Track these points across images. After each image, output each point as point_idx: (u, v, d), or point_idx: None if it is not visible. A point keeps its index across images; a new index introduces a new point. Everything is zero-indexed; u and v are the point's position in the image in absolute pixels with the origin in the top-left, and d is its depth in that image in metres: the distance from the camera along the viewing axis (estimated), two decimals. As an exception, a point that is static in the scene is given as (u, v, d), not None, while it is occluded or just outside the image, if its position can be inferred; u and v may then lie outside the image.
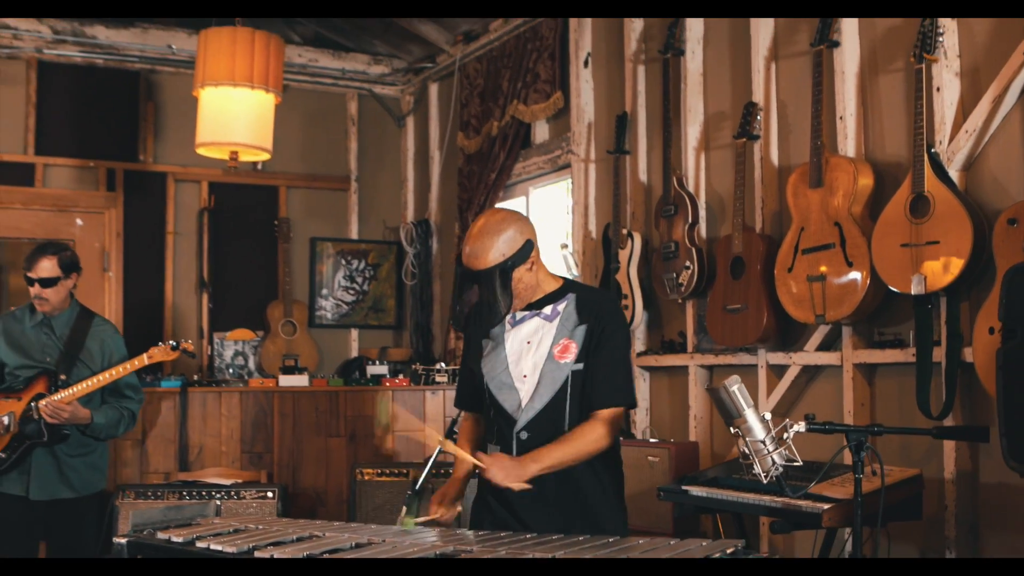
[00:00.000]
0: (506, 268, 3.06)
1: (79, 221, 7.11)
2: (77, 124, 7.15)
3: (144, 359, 4.70)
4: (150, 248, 7.32)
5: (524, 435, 3.13)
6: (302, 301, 7.69)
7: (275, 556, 2.74)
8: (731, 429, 2.97)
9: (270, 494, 5.21)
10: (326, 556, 2.65)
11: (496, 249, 3.05)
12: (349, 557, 2.64)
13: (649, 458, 4.81)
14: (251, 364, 7.46)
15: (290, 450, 5.84)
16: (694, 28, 5.26)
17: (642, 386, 5.53)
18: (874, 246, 4.05)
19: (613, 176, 5.62)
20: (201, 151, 5.66)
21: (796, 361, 4.60)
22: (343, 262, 7.94)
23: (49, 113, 7.08)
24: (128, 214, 7.25)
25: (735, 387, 2.92)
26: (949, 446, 3.96)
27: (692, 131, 5.24)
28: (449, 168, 7.47)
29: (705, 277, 5.03)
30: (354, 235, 7.98)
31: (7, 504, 4.67)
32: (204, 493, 5.12)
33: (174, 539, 3.08)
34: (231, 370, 7.39)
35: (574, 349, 3.12)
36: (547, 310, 3.19)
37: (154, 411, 5.67)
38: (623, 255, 5.49)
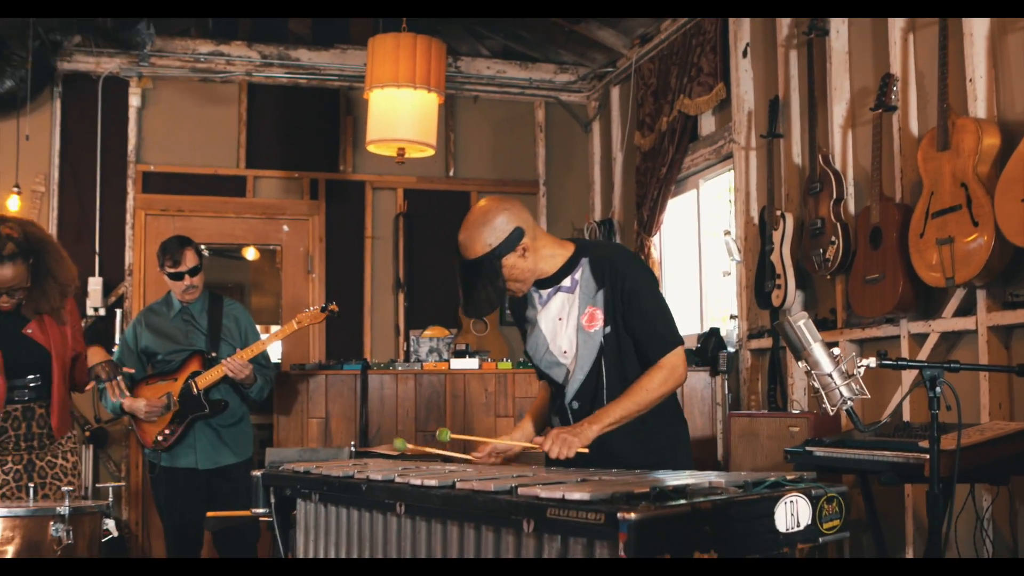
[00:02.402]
0: (493, 257, 3.15)
1: (285, 228, 7.74)
2: (283, 139, 7.80)
3: (294, 324, 5.15)
4: (350, 251, 7.87)
5: (575, 405, 3.30)
6: (493, 300, 8.03)
7: (370, 477, 3.05)
8: (799, 364, 3.06)
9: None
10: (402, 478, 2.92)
11: (482, 240, 3.15)
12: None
13: (790, 428, 4.86)
14: (445, 360, 7.87)
15: (461, 429, 6.17)
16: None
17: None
18: (997, 204, 4.01)
19: (767, 159, 5.70)
20: (371, 148, 6.13)
21: (935, 328, 4.57)
22: (533, 263, 8.23)
23: (258, 130, 7.76)
24: (330, 220, 7.83)
25: (801, 322, 3.02)
26: (1081, 404, 3.87)
27: (838, 109, 5.28)
28: (629, 167, 7.67)
29: (851, 251, 5.04)
30: (542, 237, 8.27)
31: (180, 476, 5.19)
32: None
33: (296, 469, 3.45)
34: (426, 366, 7.82)
35: (600, 316, 3.22)
36: (566, 282, 3.29)
37: (337, 392, 6.14)
38: (776, 236, 5.55)
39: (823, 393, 3.02)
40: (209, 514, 4.13)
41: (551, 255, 3.30)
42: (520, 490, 2.52)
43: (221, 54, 7.62)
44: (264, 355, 5.25)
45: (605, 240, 7.64)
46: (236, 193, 7.68)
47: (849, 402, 3.01)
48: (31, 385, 4.10)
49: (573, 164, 8.43)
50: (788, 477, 2.64)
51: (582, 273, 3.29)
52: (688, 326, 7.07)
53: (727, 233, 6.21)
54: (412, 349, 7.86)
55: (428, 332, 7.92)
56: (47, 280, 4.11)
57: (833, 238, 5.07)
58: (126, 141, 7.49)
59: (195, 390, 5.10)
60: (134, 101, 7.52)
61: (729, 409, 6.05)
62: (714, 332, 6.25)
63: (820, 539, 2.59)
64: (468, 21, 8.12)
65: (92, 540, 3.53)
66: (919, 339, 4.69)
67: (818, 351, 3.01)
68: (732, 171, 6.31)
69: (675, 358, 3.21)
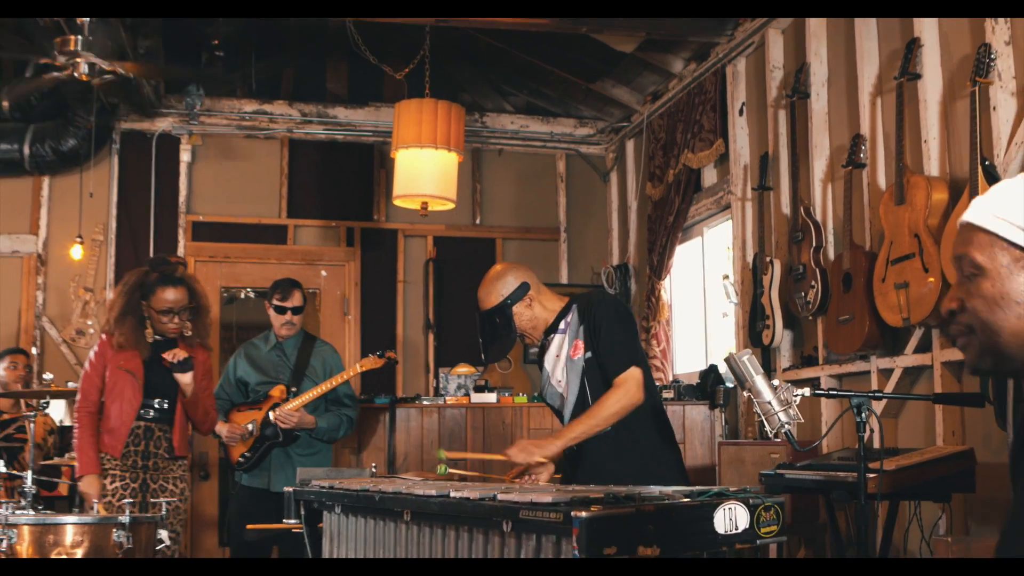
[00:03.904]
0: (506, 306, 3.86)
1: (323, 273, 8.36)
2: (321, 190, 8.45)
3: (357, 368, 5.71)
4: (384, 295, 8.47)
5: None
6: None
7: (382, 489, 3.60)
8: (744, 393, 3.58)
9: (452, 489, 6.08)
10: (408, 492, 3.47)
11: (496, 292, 3.88)
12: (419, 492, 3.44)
13: (771, 456, 5.36)
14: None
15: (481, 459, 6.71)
16: (818, 72, 5.84)
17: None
18: (943, 252, 4.52)
19: (759, 210, 6.23)
20: (397, 203, 6.75)
21: (898, 364, 5.07)
22: (554, 305, 8.79)
23: (298, 182, 8.42)
24: (365, 266, 8.46)
25: (745, 357, 3.53)
26: None
27: (819, 165, 5.80)
28: (642, 215, 8.22)
29: (829, 295, 5.54)
30: (564, 280, 8.84)
31: (252, 495, 5.77)
32: (398, 486, 6.07)
33: (322, 485, 4.01)
34: (454, 401, 8.37)
35: (582, 345, 3.85)
36: (561, 325, 3.94)
37: (368, 424, 6.71)
38: (766, 280, 6.07)
39: (764, 419, 3.53)
40: (249, 526, 4.67)
41: (552, 308, 3.97)
42: (499, 496, 3.06)
43: (264, 112, 8.29)
44: (346, 392, 5.83)
45: (593, 290, 8.20)
46: (278, 241, 8.32)
47: (787, 426, 3.51)
48: (163, 408, 4.77)
49: (592, 212, 8.99)
50: (731, 489, 3.16)
51: (572, 316, 3.93)
52: (693, 363, 7.59)
53: (725, 277, 6.74)
54: (442, 385, 8.42)
55: (456, 370, 8.48)
56: (201, 309, 4.80)
57: (813, 282, 5.58)
58: (177, 193, 8.17)
59: (272, 419, 5.68)
60: (185, 156, 8.20)
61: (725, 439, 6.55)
62: (713, 369, 6.76)
63: (757, 541, 3.09)
64: (493, 80, 8.74)
65: (148, 546, 4.11)
66: (886, 373, 5.18)
67: (759, 382, 3.51)
68: (731, 220, 6.84)
69: (629, 377, 3.76)
